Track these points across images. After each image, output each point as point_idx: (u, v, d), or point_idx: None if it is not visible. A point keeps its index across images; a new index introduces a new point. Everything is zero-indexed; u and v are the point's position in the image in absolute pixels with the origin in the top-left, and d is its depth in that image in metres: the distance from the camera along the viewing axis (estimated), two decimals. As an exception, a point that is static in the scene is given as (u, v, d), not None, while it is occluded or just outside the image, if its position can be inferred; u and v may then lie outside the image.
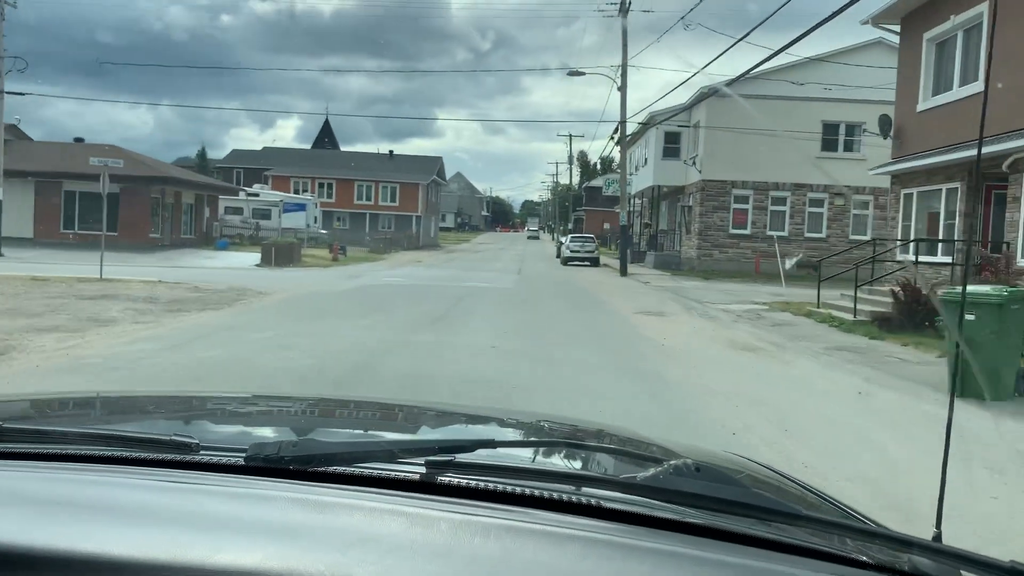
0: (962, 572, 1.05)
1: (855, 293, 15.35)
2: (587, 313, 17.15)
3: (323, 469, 1.19)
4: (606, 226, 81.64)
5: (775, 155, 31.73)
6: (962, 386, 8.21)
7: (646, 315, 16.66)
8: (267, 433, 1.93)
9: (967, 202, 15.98)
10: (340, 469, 1.20)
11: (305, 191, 62.47)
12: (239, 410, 2.20)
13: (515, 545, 0.99)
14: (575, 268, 38.10)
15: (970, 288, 8.89)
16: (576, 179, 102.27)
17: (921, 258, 17.13)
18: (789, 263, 29.07)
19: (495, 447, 1.40)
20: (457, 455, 1.23)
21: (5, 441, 1.28)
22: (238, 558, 0.92)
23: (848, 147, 33.54)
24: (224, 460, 1.24)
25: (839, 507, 1.58)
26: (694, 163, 34.82)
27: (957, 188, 16.36)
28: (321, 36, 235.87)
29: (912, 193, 18.41)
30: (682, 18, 23.76)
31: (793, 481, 1.73)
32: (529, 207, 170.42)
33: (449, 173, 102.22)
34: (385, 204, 67.28)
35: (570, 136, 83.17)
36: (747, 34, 21.14)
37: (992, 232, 16.08)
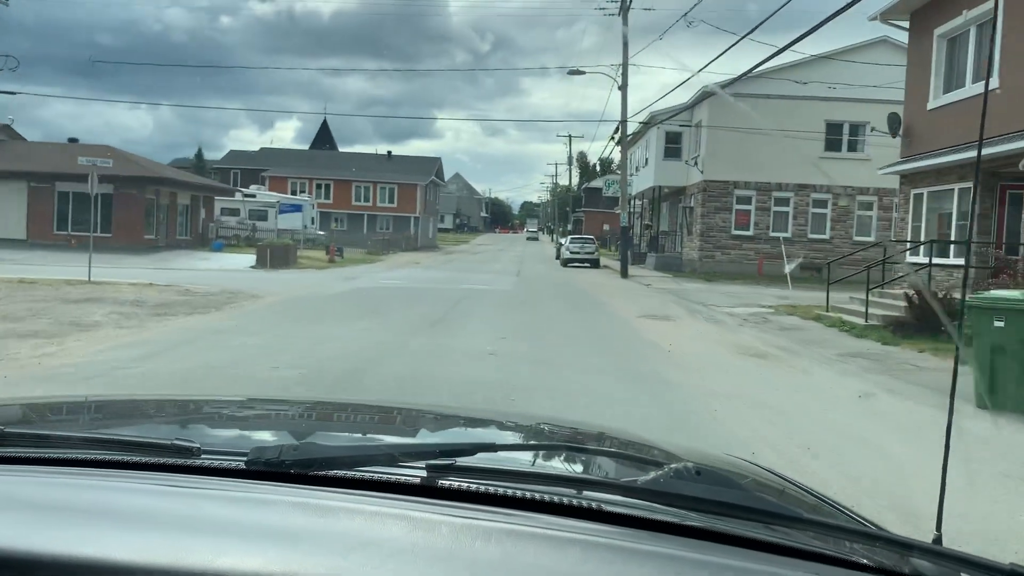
0: (962, 574, 1.04)
1: (866, 296, 14.86)
2: (588, 316, 16.65)
3: (324, 473, 1.18)
4: (605, 227, 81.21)
5: (778, 155, 31.25)
6: (991, 398, 7.73)
7: (649, 319, 16.17)
8: (267, 437, 1.89)
9: (981, 202, 15.50)
10: (341, 473, 1.19)
11: (302, 192, 62.02)
12: (239, 414, 2.20)
13: (516, 549, 0.99)
14: (575, 270, 37.60)
15: (997, 293, 8.40)
16: (575, 180, 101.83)
17: (932, 260, 16.63)
18: (791, 265, 28.66)
19: (496, 450, 1.40)
20: (458, 459, 1.23)
21: (5, 445, 1.28)
22: (239, 562, 0.92)
23: (852, 147, 33.08)
24: (225, 464, 1.23)
25: (840, 510, 1.58)
26: (696, 163, 34.33)
27: (970, 188, 15.87)
28: (320, 38, 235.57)
29: (922, 193, 17.92)
30: (685, 15, 23.28)
31: (793, 484, 1.72)
32: (528, 208, 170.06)
33: (448, 174, 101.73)
34: (383, 205, 66.75)
35: (569, 137, 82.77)
36: (751, 31, 20.63)
37: (1007, 234, 15.60)
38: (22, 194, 37.67)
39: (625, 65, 33.14)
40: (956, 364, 1.59)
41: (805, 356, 11.70)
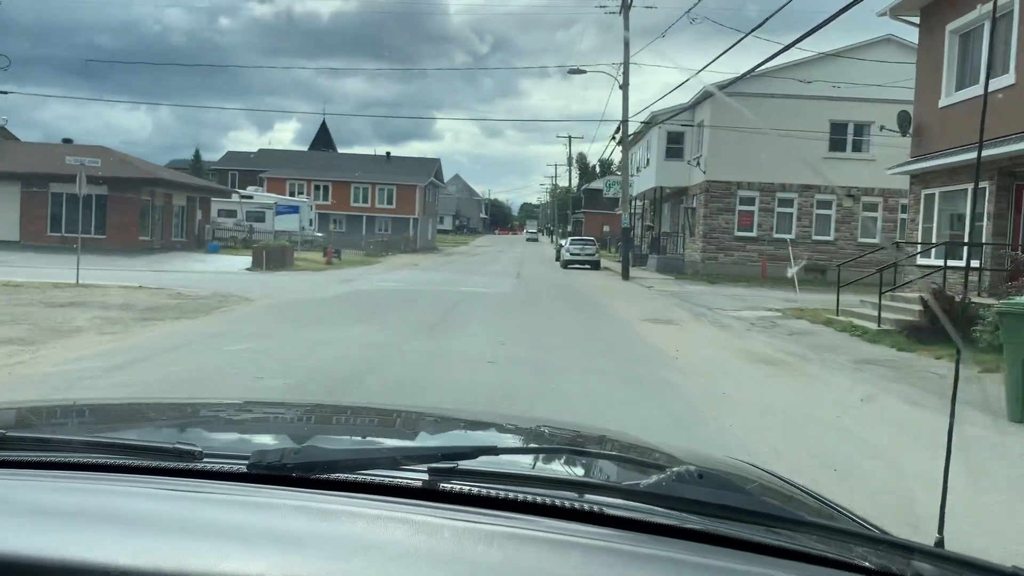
0: None
1: (879, 300, 14.34)
2: (590, 320, 16.14)
3: (325, 476, 1.18)
4: (605, 229, 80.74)
5: (782, 155, 30.74)
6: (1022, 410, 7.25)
7: (653, 323, 15.67)
8: (269, 440, 1.87)
9: (996, 203, 15.00)
10: (343, 476, 1.18)
11: (301, 193, 61.52)
12: (240, 417, 2.19)
13: (518, 552, 0.99)
14: (575, 271, 37.09)
15: (1029, 297, 7.90)
16: (575, 181, 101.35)
17: (947, 263, 16.11)
18: (794, 268, 28.22)
19: (497, 454, 1.45)
20: (460, 462, 1.23)
21: (6, 449, 1.28)
22: (242, 566, 0.92)
23: (857, 147, 32.58)
24: (226, 468, 1.22)
25: (842, 512, 1.56)
26: (698, 163, 33.83)
27: (985, 188, 15.37)
28: (320, 40, 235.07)
29: (934, 194, 17.42)
30: (688, 11, 22.78)
31: (795, 487, 1.71)
32: (528, 209, 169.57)
33: (447, 176, 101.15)
34: (382, 206, 66.22)
35: (569, 138, 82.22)
36: (755, 28, 20.21)
37: (1023, 235, 15.09)
38: (15, 195, 37.16)
39: (626, 63, 32.65)
40: (957, 367, 1.56)
41: (818, 363, 11.20)
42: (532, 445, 1.92)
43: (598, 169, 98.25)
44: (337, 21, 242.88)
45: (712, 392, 8.60)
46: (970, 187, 15.83)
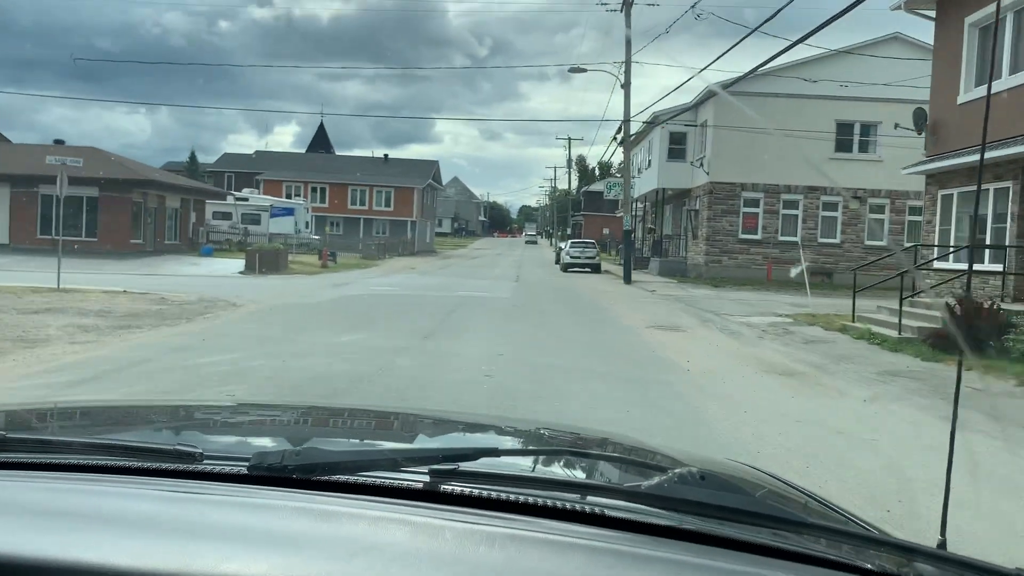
0: None
1: (900, 306, 13.57)
2: (594, 327, 15.38)
3: (326, 478, 1.17)
4: (605, 231, 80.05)
5: (787, 156, 29.98)
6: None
7: (660, 330, 14.91)
8: (269, 442, 1.82)
9: (1021, 203, 14.25)
10: (343, 478, 1.18)
11: (298, 195, 60.75)
12: (241, 419, 2.19)
13: (519, 554, 0.98)
14: (576, 275, 36.31)
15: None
16: (575, 184, 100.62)
17: (963, 266, 15.37)
18: (795, 270, 27.64)
19: (498, 455, 1.46)
20: (460, 463, 1.22)
21: (8, 451, 1.28)
22: (243, 567, 0.92)
23: (863, 148, 31.87)
24: (227, 469, 1.23)
25: (844, 515, 1.55)
26: (701, 164, 33.08)
27: (1008, 188, 14.63)
28: (319, 43, 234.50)
29: (951, 194, 16.67)
30: (693, 6, 22.04)
31: (797, 489, 1.69)
32: (527, 212, 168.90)
33: (446, 178, 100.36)
34: (379, 209, 65.44)
35: (568, 139, 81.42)
36: (761, 24, 19.47)
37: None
38: (4, 197, 36.41)
39: (628, 62, 31.91)
40: (959, 370, 1.54)
41: (839, 375, 10.44)
42: (533, 447, 1.90)
43: (597, 172, 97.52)
44: (337, 25, 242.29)
45: (730, 411, 7.84)
46: (992, 187, 15.07)
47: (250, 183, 61.08)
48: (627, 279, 30.48)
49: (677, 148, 35.73)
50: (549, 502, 1.12)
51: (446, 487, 1.15)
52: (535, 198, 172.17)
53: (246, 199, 48.52)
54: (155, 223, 39.12)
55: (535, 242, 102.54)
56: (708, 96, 31.65)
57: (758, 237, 32.19)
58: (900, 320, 13.42)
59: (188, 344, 10.90)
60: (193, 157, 79.82)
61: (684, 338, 13.90)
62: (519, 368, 9.90)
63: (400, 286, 25.03)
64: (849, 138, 31.81)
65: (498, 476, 1.22)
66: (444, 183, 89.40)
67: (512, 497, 1.13)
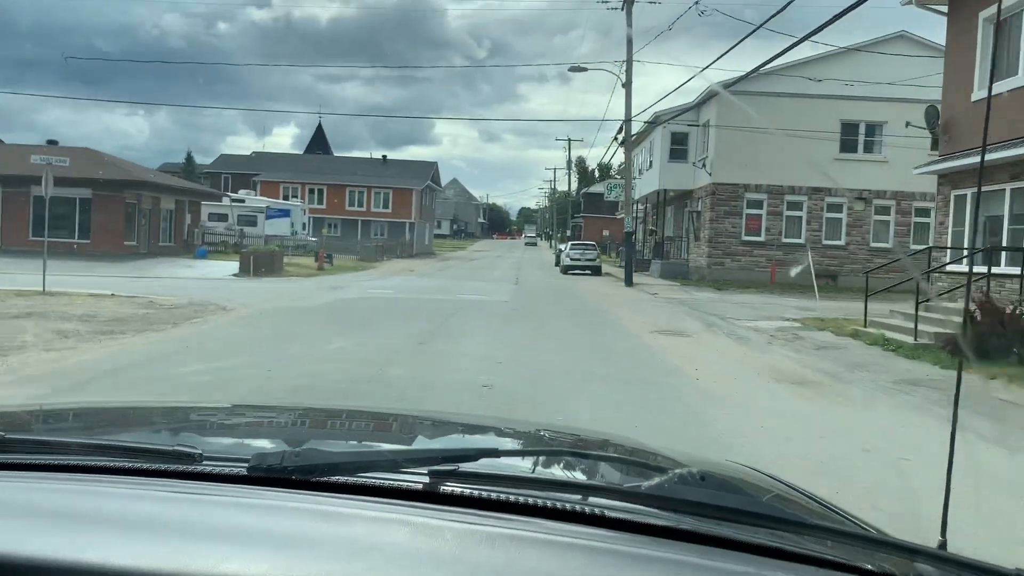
0: None
1: (916, 311, 13.03)
2: (596, 332, 14.84)
3: (326, 479, 1.17)
4: (605, 233, 79.57)
5: (791, 156, 29.47)
6: None
7: (664, 335, 14.38)
8: (269, 443, 1.83)
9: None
10: (343, 479, 1.17)
11: (295, 197, 60.21)
12: (240, 420, 2.20)
13: (519, 554, 0.98)
14: (576, 277, 35.79)
15: None
16: (575, 185, 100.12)
17: (979, 269, 14.85)
18: (795, 271, 27.21)
19: (498, 456, 1.44)
20: (460, 464, 1.22)
21: (7, 452, 1.27)
22: (243, 568, 0.92)
23: (869, 148, 31.37)
24: (227, 470, 1.22)
25: (844, 516, 1.55)
26: (703, 165, 32.57)
27: (1025, 188, 14.11)
28: (319, 45, 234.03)
29: (965, 195, 16.16)
30: (697, 2, 21.53)
31: (797, 490, 1.68)
32: (526, 214, 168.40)
33: (445, 180, 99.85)
34: (378, 210, 64.89)
35: (568, 140, 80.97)
36: (767, 20, 19.01)
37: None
38: (-4, 198, 35.88)
39: (629, 61, 31.40)
40: (959, 372, 1.52)
41: (856, 384, 9.91)
42: (533, 448, 1.89)
43: (597, 174, 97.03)
44: (337, 26, 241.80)
45: (744, 424, 7.32)
46: (1009, 187, 14.55)
47: (247, 184, 60.55)
48: (628, 281, 29.96)
49: (679, 148, 35.22)
50: (549, 503, 1.12)
51: (446, 488, 1.15)
52: (534, 200, 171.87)
53: (242, 200, 47.99)
54: (149, 225, 38.60)
55: (535, 244, 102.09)
56: (710, 96, 31.14)
57: (761, 239, 31.67)
58: (916, 325, 12.89)
59: (172, 351, 10.37)
60: (189, 158, 79.29)
61: (690, 344, 13.37)
62: (518, 379, 9.36)
63: (398, 289, 24.50)
64: (854, 138, 31.30)
65: (498, 477, 1.22)
66: (443, 185, 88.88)
67: (512, 498, 1.13)
